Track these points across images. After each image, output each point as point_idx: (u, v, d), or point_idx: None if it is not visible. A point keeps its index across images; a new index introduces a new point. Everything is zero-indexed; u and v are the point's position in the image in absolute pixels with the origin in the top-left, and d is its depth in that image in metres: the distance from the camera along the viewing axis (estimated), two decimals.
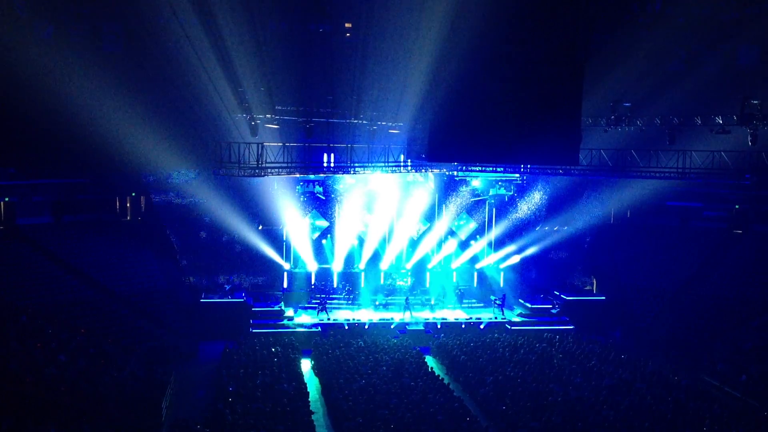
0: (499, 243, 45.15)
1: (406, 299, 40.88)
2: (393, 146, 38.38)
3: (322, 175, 40.47)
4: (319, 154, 39.07)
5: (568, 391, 28.19)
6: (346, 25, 35.95)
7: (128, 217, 43.56)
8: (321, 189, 42.64)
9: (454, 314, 40.86)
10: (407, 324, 38.68)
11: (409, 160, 39.08)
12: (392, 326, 38.36)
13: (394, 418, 24.67)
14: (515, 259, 45.00)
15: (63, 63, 32.12)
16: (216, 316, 38.32)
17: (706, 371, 32.89)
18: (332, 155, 39.21)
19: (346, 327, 38.02)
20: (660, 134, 34.36)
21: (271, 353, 32.77)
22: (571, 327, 39.31)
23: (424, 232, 44.68)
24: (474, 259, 45.42)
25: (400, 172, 39.73)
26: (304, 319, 39.23)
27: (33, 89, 31.49)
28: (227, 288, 40.01)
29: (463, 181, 43.70)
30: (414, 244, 44.80)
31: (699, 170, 32.61)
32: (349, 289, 42.86)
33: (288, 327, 37.60)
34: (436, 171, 41.86)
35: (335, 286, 43.36)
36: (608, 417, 25.38)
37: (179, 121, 37.32)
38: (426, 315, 40.32)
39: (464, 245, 45.40)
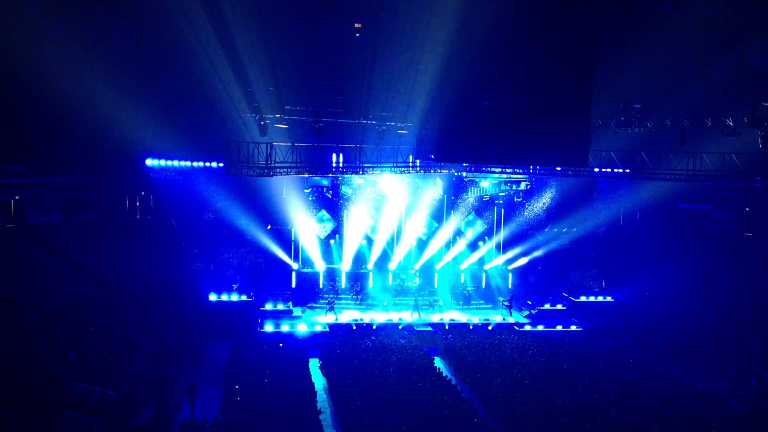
0: (507, 244, 45.09)
1: (415, 300, 40.84)
2: (402, 147, 38.37)
3: (330, 175, 40.51)
4: (328, 154, 39.11)
5: (577, 393, 28.10)
6: (356, 25, 35.93)
7: (137, 216, 43.68)
8: (330, 189, 42.67)
9: (462, 315, 40.80)
10: (415, 325, 38.63)
11: (417, 161, 39.07)
12: (400, 327, 38.33)
13: (402, 419, 24.65)
14: (524, 260, 44.95)
15: (73, 62, 32.20)
16: (224, 315, 38.39)
17: (716, 374, 32.76)
18: (341, 155, 39.25)
19: (354, 327, 38.00)
20: (670, 136, 34.23)
21: (279, 353, 32.79)
22: (580, 329, 39.21)
23: (433, 233, 44.67)
24: (482, 260, 45.38)
25: (409, 172, 39.72)
26: (312, 318, 39.24)
27: (43, 88, 31.62)
28: (234, 287, 40.06)
29: (472, 182, 43.67)
30: (422, 244, 44.79)
31: (709, 172, 32.49)
32: (357, 289, 42.89)
33: (296, 327, 37.58)
34: (445, 172, 41.85)
35: (343, 286, 43.40)
36: (617, 419, 25.28)
37: (189, 120, 37.48)
38: (434, 316, 40.26)
39: (473, 246, 45.37)
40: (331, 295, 41.55)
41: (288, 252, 43.17)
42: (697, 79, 34.89)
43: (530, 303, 42.13)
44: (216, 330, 37.64)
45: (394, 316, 39.63)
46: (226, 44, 33.80)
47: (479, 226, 45.31)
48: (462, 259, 45.28)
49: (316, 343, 35.87)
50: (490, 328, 38.82)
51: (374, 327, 38.17)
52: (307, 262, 43.60)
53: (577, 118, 28.65)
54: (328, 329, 37.53)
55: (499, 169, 40.20)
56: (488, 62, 28.35)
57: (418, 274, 44.62)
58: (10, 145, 35.10)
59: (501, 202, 44.74)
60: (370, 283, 43.65)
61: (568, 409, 26.27)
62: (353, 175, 40.19)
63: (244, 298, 39.33)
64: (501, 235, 45.20)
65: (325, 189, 42.91)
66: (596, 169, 35.49)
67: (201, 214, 42.34)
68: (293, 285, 43.17)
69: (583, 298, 42.22)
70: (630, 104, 35.27)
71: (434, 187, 43.95)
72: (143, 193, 43.44)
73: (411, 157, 39.04)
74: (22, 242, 36.71)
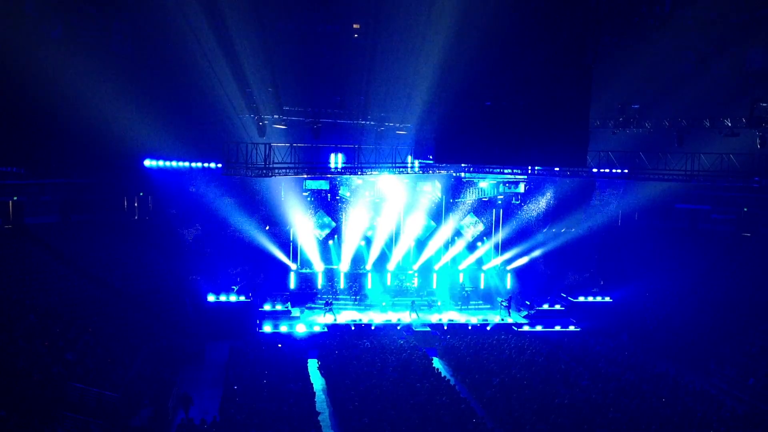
0: (506, 244, 45.15)
1: (412, 302, 40.84)
2: (400, 147, 38.33)
3: (329, 175, 40.52)
4: (327, 154, 39.11)
5: (575, 394, 28.12)
6: (354, 26, 35.92)
7: (136, 217, 43.68)
8: (328, 190, 42.64)
9: (461, 316, 40.82)
10: (414, 325, 38.63)
11: (416, 162, 39.06)
12: (398, 327, 38.34)
13: (401, 419, 24.66)
14: (522, 260, 44.98)
15: (71, 63, 32.17)
16: (223, 316, 38.40)
17: (714, 374, 32.78)
18: (339, 156, 39.24)
19: (353, 328, 38.00)
20: (668, 136, 34.29)
21: (278, 353, 32.78)
22: (578, 329, 39.24)
23: (431, 234, 44.69)
24: (481, 261, 45.41)
25: (408, 173, 39.71)
26: (311, 319, 39.24)
27: (41, 89, 31.58)
28: (234, 289, 40.04)
29: (471, 183, 43.65)
30: (421, 245, 44.82)
31: (707, 173, 32.50)
32: (355, 289, 42.90)
33: (294, 327, 37.55)
34: (444, 172, 41.80)
35: (342, 286, 43.41)
36: (615, 419, 25.31)
37: (187, 121, 37.45)
38: (432, 316, 40.27)
39: (471, 246, 45.41)
40: (329, 296, 41.54)
41: (286, 252, 43.18)
42: (696, 79, 34.87)
43: (529, 303, 42.16)
44: (215, 331, 37.62)
45: (392, 317, 39.65)
46: (224, 45, 33.78)
47: (478, 227, 45.33)
48: (460, 259, 45.32)
49: (315, 343, 35.90)
50: (488, 328, 38.84)
51: (373, 327, 38.18)
52: (305, 262, 43.63)
53: (576, 119, 28.63)
54: (326, 330, 37.55)
55: (498, 170, 40.19)
56: (487, 63, 28.33)
57: (416, 275, 44.64)
58: (9, 146, 35.05)
59: (500, 202, 44.76)
60: (369, 284, 43.67)
61: (566, 409, 26.28)
62: (352, 176, 40.19)
63: (242, 299, 39.33)
64: (499, 236, 45.28)
65: (323, 190, 42.87)
66: (594, 170, 35.49)
67: (200, 215, 42.29)
68: (292, 286, 43.19)
69: (581, 299, 42.27)
70: (628, 105, 35.30)
71: (433, 188, 43.95)
72: (141, 194, 43.43)
73: (410, 157, 39.02)
74: (21, 243, 36.70)
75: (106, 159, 36.99)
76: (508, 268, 45.35)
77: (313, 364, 33.64)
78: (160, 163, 39.07)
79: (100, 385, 25.74)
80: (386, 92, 37.22)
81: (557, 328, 39.07)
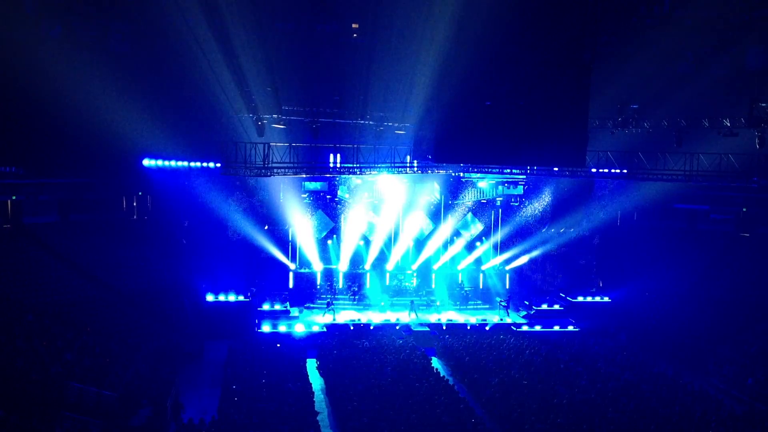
0: (505, 244, 45.14)
1: (411, 302, 40.83)
2: (399, 147, 38.36)
3: (328, 175, 40.50)
4: (326, 154, 39.13)
5: (574, 393, 28.11)
6: (353, 25, 35.93)
7: (135, 216, 43.65)
8: (327, 189, 42.62)
9: (460, 316, 40.81)
10: (412, 325, 38.61)
11: (415, 161, 39.08)
12: (397, 327, 38.33)
13: (399, 419, 24.64)
14: (521, 260, 44.98)
15: (70, 62, 32.15)
16: (221, 315, 38.36)
17: (713, 374, 32.78)
18: (338, 156, 39.26)
19: (352, 328, 37.99)
20: (667, 136, 34.31)
21: (276, 353, 32.76)
22: (577, 329, 39.24)
23: (430, 233, 44.67)
24: (480, 261, 45.40)
25: (407, 172, 39.71)
26: (310, 319, 39.22)
27: (40, 88, 31.55)
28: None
29: (470, 183, 43.66)
30: (420, 244, 44.79)
31: (706, 173, 32.52)
32: (354, 289, 42.89)
33: (293, 327, 37.55)
34: (443, 172, 41.81)
35: (341, 286, 43.40)
36: (614, 419, 25.29)
37: (186, 120, 37.40)
38: (431, 316, 40.26)
39: (470, 246, 45.39)
40: (328, 296, 41.54)
41: (285, 252, 43.16)
42: (694, 79, 34.90)
43: (527, 303, 42.14)
44: (213, 330, 37.59)
45: (391, 317, 39.63)
46: (223, 44, 33.76)
47: (477, 226, 45.32)
48: (459, 259, 45.31)
49: (314, 343, 35.89)
50: (487, 328, 38.83)
51: (371, 327, 38.16)
52: (304, 262, 43.60)
53: (575, 119, 28.66)
54: (325, 330, 37.53)
55: (497, 169, 40.21)
56: (485, 62, 28.36)
57: (415, 275, 44.63)
58: (7, 146, 35.02)
59: (498, 203, 44.73)
60: (368, 284, 43.65)
61: (565, 409, 26.27)
62: (351, 176, 40.16)
63: (241, 298, 39.30)
64: (498, 236, 45.26)
65: (322, 189, 42.81)
66: (593, 170, 35.50)
67: (198, 215, 42.24)
68: (290, 285, 43.18)
69: (580, 299, 42.29)
70: (627, 105, 35.33)
71: (432, 188, 43.92)
72: (140, 194, 43.38)
73: (408, 157, 39.05)
74: (19, 243, 36.65)
75: (105, 158, 36.94)
76: (507, 268, 45.35)
77: (311, 364, 33.62)
78: (159, 162, 39.02)
79: (98, 384, 25.69)
80: (385, 92, 37.22)
81: (556, 328, 39.06)
